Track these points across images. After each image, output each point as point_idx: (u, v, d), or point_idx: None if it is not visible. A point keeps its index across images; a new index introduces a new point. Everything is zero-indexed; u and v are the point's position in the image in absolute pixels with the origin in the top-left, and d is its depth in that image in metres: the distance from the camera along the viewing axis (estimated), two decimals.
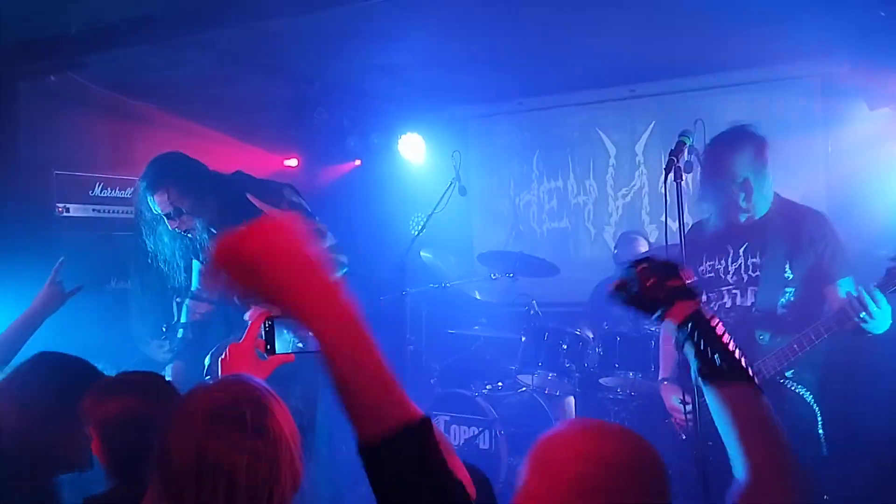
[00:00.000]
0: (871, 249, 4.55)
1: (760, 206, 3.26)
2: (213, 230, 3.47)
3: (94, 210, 4.84)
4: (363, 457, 1.12)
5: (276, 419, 1.48)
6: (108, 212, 4.90)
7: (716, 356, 1.49)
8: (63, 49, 4.43)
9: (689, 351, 1.53)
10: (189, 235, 3.50)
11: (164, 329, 3.63)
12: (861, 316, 2.84)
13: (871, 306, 2.83)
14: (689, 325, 1.56)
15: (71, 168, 4.82)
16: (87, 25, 4.28)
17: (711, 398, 1.49)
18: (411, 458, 1.11)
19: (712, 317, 1.57)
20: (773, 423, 1.48)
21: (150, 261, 4.31)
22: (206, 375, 3.74)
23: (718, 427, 1.50)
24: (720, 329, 1.55)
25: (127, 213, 4.82)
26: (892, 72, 4.34)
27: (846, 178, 5.45)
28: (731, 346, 1.54)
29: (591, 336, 5.07)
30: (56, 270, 2.92)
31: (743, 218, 3.28)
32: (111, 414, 1.93)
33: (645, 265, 1.67)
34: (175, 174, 3.51)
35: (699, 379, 1.50)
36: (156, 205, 3.55)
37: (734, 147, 3.23)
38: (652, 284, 1.65)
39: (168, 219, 3.51)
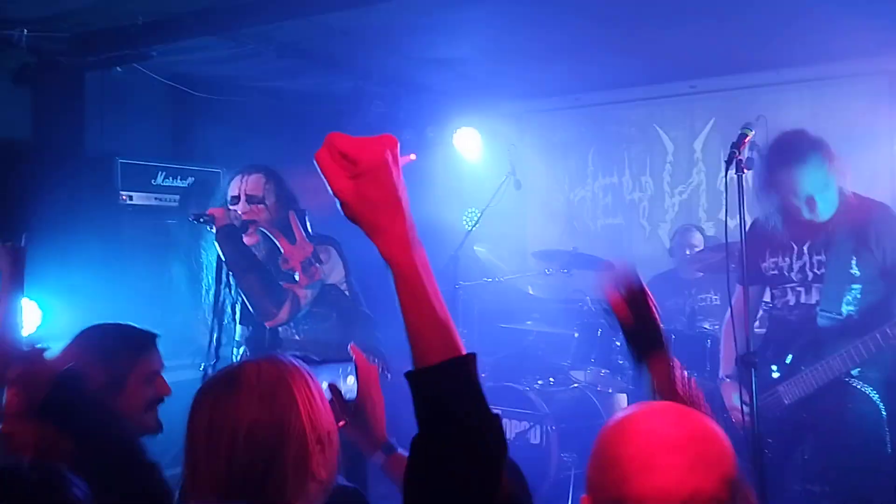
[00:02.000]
0: None
1: (825, 213, 3.17)
2: (266, 232, 3.46)
3: (156, 198, 4.94)
4: (413, 380, 1.21)
5: (293, 394, 1.55)
6: (170, 200, 5.00)
7: None
8: (129, 40, 4.53)
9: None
10: (242, 230, 3.44)
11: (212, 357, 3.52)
12: None
13: None
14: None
15: (134, 157, 4.93)
16: (153, 17, 4.37)
17: None
18: (456, 385, 1.20)
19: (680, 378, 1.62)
20: None
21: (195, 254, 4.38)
22: None
23: None
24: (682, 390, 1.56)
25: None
26: None
27: None
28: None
29: None
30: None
31: (803, 217, 3.20)
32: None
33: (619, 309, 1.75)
34: (277, 173, 3.52)
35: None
36: (239, 185, 3.46)
37: (796, 163, 3.09)
38: (630, 328, 1.76)
39: (242, 201, 3.44)
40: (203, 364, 3.35)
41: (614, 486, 1.29)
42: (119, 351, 2.24)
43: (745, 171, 2.82)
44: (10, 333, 2.66)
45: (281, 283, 3.33)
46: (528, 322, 5.68)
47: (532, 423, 4.83)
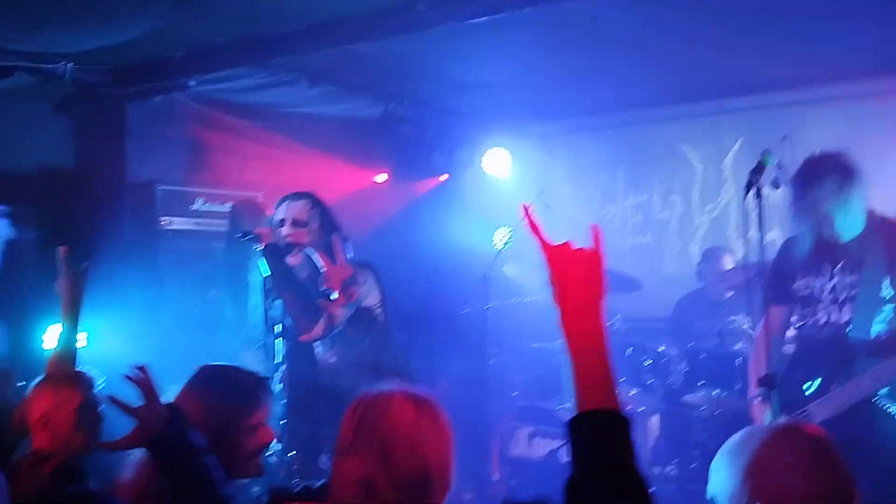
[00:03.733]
0: None
1: (847, 232, 3.21)
2: (312, 257, 3.60)
3: (195, 223, 5.07)
4: (573, 423, 1.38)
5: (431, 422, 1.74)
6: (209, 225, 5.13)
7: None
8: (168, 72, 4.69)
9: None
10: (286, 251, 3.58)
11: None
12: None
13: None
14: None
15: (174, 183, 5.07)
16: (190, 49, 4.52)
17: None
18: (607, 436, 1.35)
19: None
20: None
21: (239, 275, 4.51)
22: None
23: None
24: None
25: (226, 226, 5.04)
26: None
27: None
28: None
29: (674, 352, 5.05)
30: (62, 259, 2.96)
31: (834, 238, 3.23)
32: None
33: None
34: (321, 201, 3.73)
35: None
36: (285, 210, 3.66)
37: (814, 180, 3.16)
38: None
39: (287, 224, 3.63)
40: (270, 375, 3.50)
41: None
42: (232, 401, 2.27)
43: (775, 188, 2.86)
44: (68, 356, 2.78)
45: (318, 301, 3.49)
46: (559, 341, 5.69)
47: (563, 442, 4.87)
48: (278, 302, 3.54)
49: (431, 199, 6.85)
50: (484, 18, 3.71)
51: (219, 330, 4.55)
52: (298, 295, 3.49)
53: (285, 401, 3.55)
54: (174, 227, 4.98)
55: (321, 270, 3.53)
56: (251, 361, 4.56)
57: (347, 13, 4.02)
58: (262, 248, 3.52)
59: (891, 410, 3.04)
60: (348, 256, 3.59)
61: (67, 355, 2.79)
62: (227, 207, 5.19)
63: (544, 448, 4.93)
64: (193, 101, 5.26)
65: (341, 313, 3.52)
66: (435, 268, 5.88)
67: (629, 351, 4.98)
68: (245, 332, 4.65)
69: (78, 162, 5.14)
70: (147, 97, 5.01)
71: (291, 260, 3.57)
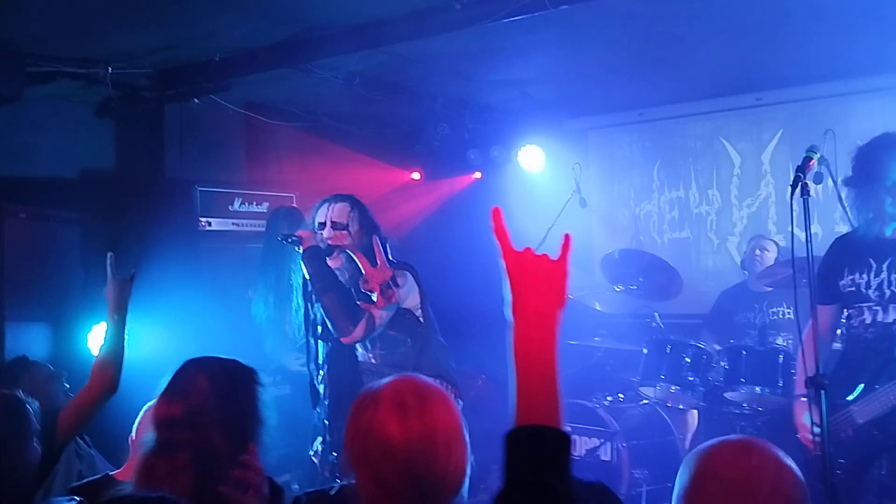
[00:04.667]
0: None
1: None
2: (351, 255, 3.62)
3: (233, 224, 5.13)
4: (507, 440, 1.31)
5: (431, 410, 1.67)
6: (246, 225, 5.18)
7: None
8: (207, 74, 4.75)
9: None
10: (326, 253, 3.59)
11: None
12: None
13: None
14: None
15: (212, 185, 5.13)
16: (229, 53, 4.57)
17: None
18: (544, 455, 1.30)
19: None
20: None
21: (277, 274, 4.56)
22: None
23: None
24: None
25: (262, 226, 5.08)
26: None
27: None
28: None
29: (715, 349, 5.00)
30: (110, 265, 3.00)
31: (889, 231, 3.18)
32: None
33: None
34: (361, 203, 3.73)
35: None
36: (325, 212, 3.65)
37: (886, 150, 3.13)
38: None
39: (328, 227, 3.62)
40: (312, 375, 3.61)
41: None
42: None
43: (817, 183, 2.82)
44: (113, 359, 2.82)
45: (359, 302, 3.50)
46: (596, 338, 5.69)
47: (602, 440, 4.85)
48: (319, 304, 3.55)
49: (466, 196, 6.86)
50: (520, 17, 3.70)
51: (258, 331, 4.59)
52: (339, 297, 3.48)
53: (327, 401, 3.58)
54: (213, 227, 5.04)
55: (361, 272, 3.55)
56: (293, 363, 4.61)
57: (385, 15, 4.04)
58: (303, 250, 3.53)
59: None
60: (388, 258, 3.58)
61: (113, 359, 2.83)
62: (264, 208, 5.24)
63: (583, 447, 4.91)
64: (232, 104, 5.32)
65: (382, 315, 3.51)
66: (469, 266, 5.87)
67: (668, 348, 4.93)
68: (285, 333, 4.70)
69: (119, 164, 5.24)
70: (186, 99, 5.07)
71: (332, 262, 3.56)
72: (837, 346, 3.39)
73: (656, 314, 5.42)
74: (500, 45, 4.64)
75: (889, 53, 4.98)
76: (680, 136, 6.67)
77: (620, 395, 5.28)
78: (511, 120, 6.62)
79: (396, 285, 3.53)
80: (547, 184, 6.58)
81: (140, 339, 4.09)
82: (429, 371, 3.33)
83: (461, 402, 3.25)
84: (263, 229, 4.95)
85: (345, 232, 3.60)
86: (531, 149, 6.69)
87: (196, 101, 5.07)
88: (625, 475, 4.70)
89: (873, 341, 3.13)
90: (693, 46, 4.91)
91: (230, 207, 5.15)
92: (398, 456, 1.60)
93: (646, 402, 5.13)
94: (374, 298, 3.47)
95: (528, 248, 1.41)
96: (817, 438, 2.72)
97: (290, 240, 3.58)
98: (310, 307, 3.61)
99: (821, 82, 5.77)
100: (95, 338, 4.28)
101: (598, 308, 5.79)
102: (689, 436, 5.21)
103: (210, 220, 5.05)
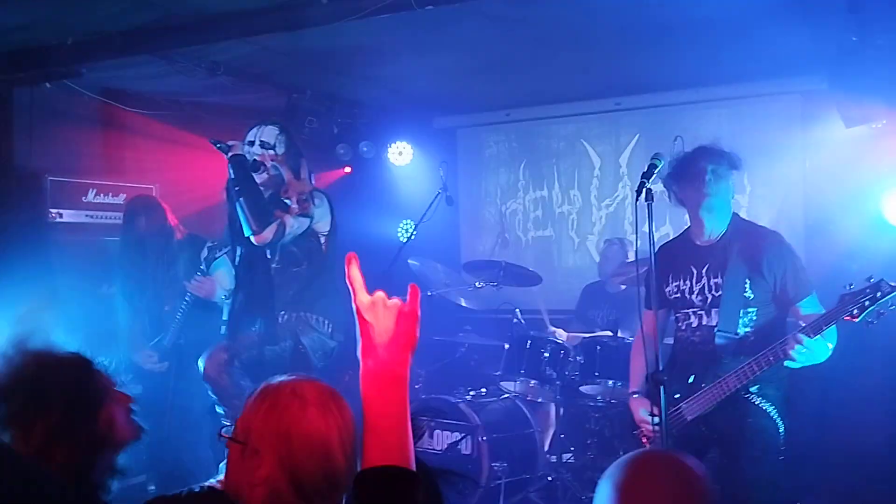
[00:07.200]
0: (844, 263, 4.71)
1: (714, 228, 3.35)
2: (278, 173, 4.02)
3: (87, 216, 4.92)
4: (358, 481, 1.36)
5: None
6: (102, 217, 4.97)
7: None
8: (59, 58, 4.51)
9: None
10: (253, 169, 3.95)
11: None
12: (795, 351, 2.95)
13: (802, 350, 2.94)
14: None
15: (65, 174, 4.89)
16: (83, 37, 4.36)
17: None
18: (395, 495, 1.35)
19: None
20: None
21: (137, 268, 4.44)
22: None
23: None
24: None
25: (119, 218, 4.89)
26: (866, 91, 4.46)
27: (822, 193, 5.58)
28: None
29: (572, 344, 5.19)
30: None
31: (706, 236, 3.36)
32: None
33: None
34: (290, 130, 4.24)
35: None
36: (255, 133, 4.06)
37: (700, 161, 3.30)
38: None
39: (256, 145, 4.04)
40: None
41: None
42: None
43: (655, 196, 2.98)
44: None
45: (274, 209, 3.90)
46: (461, 334, 5.80)
47: (464, 434, 4.94)
48: (237, 204, 3.87)
49: (335, 191, 6.81)
50: (386, 15, 3.71)
51: (113, 328, 4.43)
52: (256, 200, 3.85)
53: (240, 295, 4.00)
54: (64, 219, 4.81)
55: (284, 182, 3.97)
56: (146, 361, 4.48)
57: (249, 6, 3.96)
58: (231, 156, 3.89)
59: (761, 405, 3.21)
60: (311, 181, 4.09)
61: None
62: (121, 199, 5.05)
63: (444, 441, 4.99)
64: (87, 90, 5.08)
65: (293, 224, 3.93)
66: (339, 261, 5.85)
67: (529, 343, 5.08)
68: (144, 329, 4.56)
69: None
70: (36, 83, 4.81)
71: (258, 178, 3.94)
72: (669, 340, 3.58)
73: (518, 310, 5.57)
74: (368, 41, 4.64)
75: (735, 65, 5.29)
76: (545, 136, 6.87)
77: (483, 390, 5.39)
78: (381, 116, 6.63)
79: (314, 202, 4.00)
80: (416, 180, 6.64)
81: None
82: (309, 304, 3.96)
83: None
84: (120, 221, 4.77)
85: (272, 152, 4.03)
86: (401, 145, 6.74)
87: (48, 85, 4.81)
88: (485, 468, 4.81)
89: (699, 343, 3.32)
90: (557, 50, 5.06)
91: (84, 198, 4.94)
92: (314, 443, 1.66)
93: (507, 396, 5.26)
94: (290, 204, 3.93)
95: (378, 292, 1.46)
96: (657, 428, 2.88)
97: (219, 144, 3.97)
98: (232, 210, 3.97)
99: (674, 90, 6.08)
100: None
101: (463, 304, 5.89)
102: (549, 429, 5.38)
103: (62, 211, 4.83)
